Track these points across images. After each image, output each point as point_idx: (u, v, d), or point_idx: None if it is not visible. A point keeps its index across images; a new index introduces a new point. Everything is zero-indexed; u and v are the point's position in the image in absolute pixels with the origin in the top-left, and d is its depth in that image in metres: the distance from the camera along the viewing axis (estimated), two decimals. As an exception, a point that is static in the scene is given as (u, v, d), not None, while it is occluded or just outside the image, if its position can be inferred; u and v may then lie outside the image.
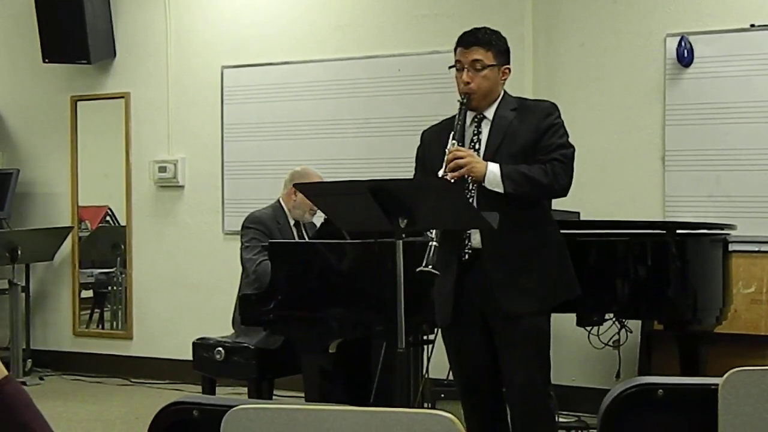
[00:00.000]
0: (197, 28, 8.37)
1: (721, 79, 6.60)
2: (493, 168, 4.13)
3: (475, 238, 4.27)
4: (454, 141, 4.16)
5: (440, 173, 4.10)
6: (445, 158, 4.13)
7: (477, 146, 4.29)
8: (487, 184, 4.14)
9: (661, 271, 5.18)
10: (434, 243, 4.01)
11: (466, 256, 4.28)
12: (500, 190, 4.13)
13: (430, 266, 3.95)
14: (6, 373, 1.75)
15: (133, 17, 8.60)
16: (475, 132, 4.33)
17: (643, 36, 6.87)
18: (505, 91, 4.40)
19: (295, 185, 5.38)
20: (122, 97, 8.68)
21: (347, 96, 7.74)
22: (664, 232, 5.35)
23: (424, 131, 4.54)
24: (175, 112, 8.45)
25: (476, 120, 4.34)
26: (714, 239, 5.57)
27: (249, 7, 8.16)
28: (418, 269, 3.94)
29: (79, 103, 8.89)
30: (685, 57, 6.65)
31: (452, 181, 4.07)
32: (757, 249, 6.43)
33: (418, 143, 4.56)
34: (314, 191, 4.60)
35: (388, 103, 7.58)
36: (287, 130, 7.96)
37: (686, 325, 5.38)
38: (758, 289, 6.36)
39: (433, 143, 4.39)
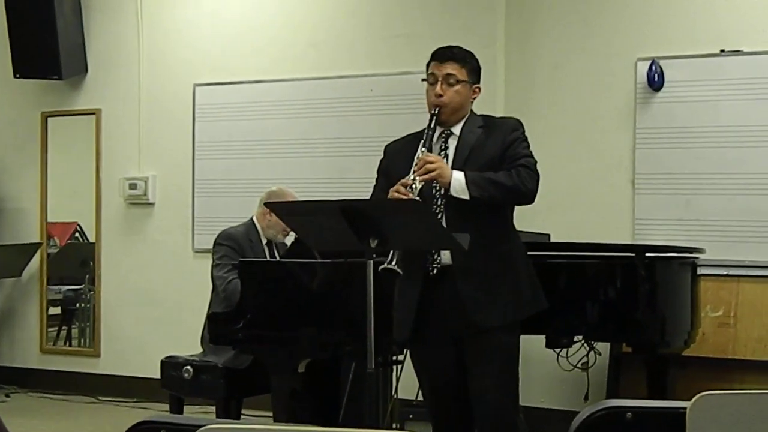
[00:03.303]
0: (170, 46, 8.36)
1: (691, 103, 6.65)
2: (458, 175, 4.15)
3: (445, 254, 4.27)
4: (423, 149, 4.18)
5: (410, 177, 4.10)
6: (415, 162, 4.14)
7: (445, 161, 4.30)
8: (453, 192, 4.15)
9: (630, 294, 5.20)
10: None
11: (435, 271, 4.27)
12: (466, 196, 4.14)
13: (394, 262, 3.95)
14: None
15: (106, 33, 8.58)
16: (443, 147, 4.35)
17: (615, 59, 6.92)
18: (472, 110, 4.44)
19: (265, 204, 5.37)
20: (93, 114, 8.65)
21: (319, 115, 7.75)
22: (634, 255, 5.38)
23: (388, 145, 4.57)
24: (147, 129, 8.43)
25: (443, 136, 4.37)
26: (683, 262, 5.60)
27: (222, 25, 8.16)
28: (380, 267, 3.92)
29: (49, 118, 8.85)
30: (655, 81, 6.70)
31: (421, 184, 4.08)
32: (725, 273, 6.47)
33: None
34: (285, 210, 4.60)
35: (360, 122, 7.59)
36: (259, 149, 7.95)
37: (654, 347, 5.40)
38: (726, 313, 6.39)
39: (398, 155, 4.40)
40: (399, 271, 3.96)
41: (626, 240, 6.71)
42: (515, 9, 7.21)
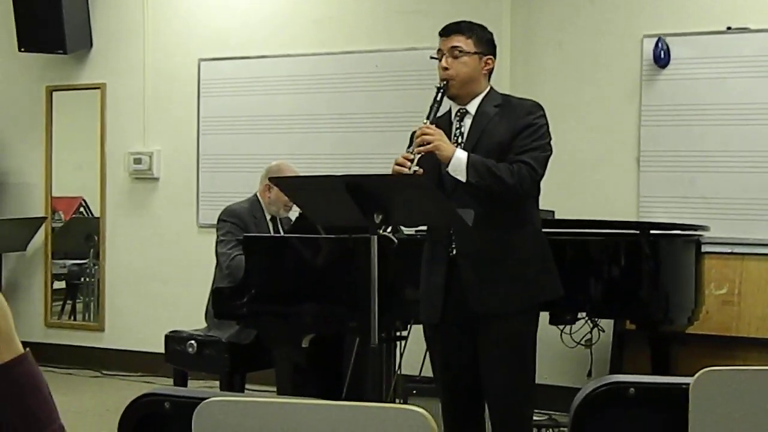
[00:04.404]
0: (175, 20, 8.34)
1: (697, 80, 6.63)
2: (461, 155, 4.07)
3: None
4: (426, 120, 4.13)
5: (409, 149, 4.07)
6: (415, 135, 4.11)
7: (459, 140, 4.24)
8: (451, 170, 4.08)
9: (634, 271, 5.21)
10: None
11: (453, 252, 4.22)
12: (462, 178, 4.06)
13: (389, 230, 3.90)
14: (21, 351, 1.68)
15: (110, 7, 8.56)
16: (458, 126, 4.28)
17: (621, 36, 6.89)
18: (491, 87, 4.35)
19: (270, 179, 5.36)
20: (98, 88, 8.65)
21: (324, 91, 7.74)
22: (638, 232, 5.37)
23: (413, 131, 4.46)
24: (152, 104, 8.42)
25: (459, 114, 4.30)
26: (687, 240, 5.60)
27: (226, 0, 8.14)
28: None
29: (54, 93, 8.85)
30: (661, 58, 6.68)
31: (419, 156, 4.02)
32: (729, 251, 6.47)
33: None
34: (289, 185, 4.58)
35: (365, 98, 7.58)
36: (264, 124, 7.95)
37: (658, 325, 5.41)
38: (730, 291, 6.39)
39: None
40: (393, 239, 3.93)
41: (631, 217, 6.70)
42: (521, -15, 7.20)
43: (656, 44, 6.68)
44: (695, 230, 5.79)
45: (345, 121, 7.65)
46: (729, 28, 6.57)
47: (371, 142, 7.42)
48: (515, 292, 4.23)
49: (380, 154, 7.19)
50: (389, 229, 3.91)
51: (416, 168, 4.00)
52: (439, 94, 4.21)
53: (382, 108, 7.45)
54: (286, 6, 7.95)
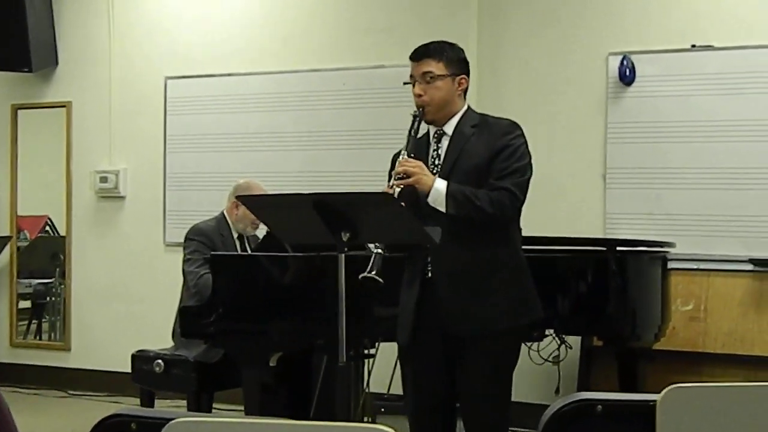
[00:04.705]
0: (141, 38, 8.32)
1: (662, 98, 6.68)
2: (440, 185, 4.04)
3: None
4: (404, 152, 4.10)
5: (389, 184, 4.05)
6: (395, 169, 4.09)
7: (437, 161, 4.20)
8: (431, 201, 4.05)
9: (601, 288, 5.23)
10: (378, 250, 3.93)
11: (429, 273, 4.17)
12: (442, 209, 4.04)
13: (374, 272, 3.87)
14: None
15: (76, 25, 8.53)
16: (435, 148, 4.24)
17: (586, 54, 6.94)
18: (469, 106, 4.31)
19: (237, 197, 5.35)
20: (64, 106, 8.60)
21: (291, 109, 7.73)
22: (605, 249, 5.39)
23: (395, 154, 4.37)
24: (118, 122, 8.39)
25: (437, 135, 4.25)
26: (653, 257, 5.63)
27: (193, 18, 8.13)
28: (361, 275, 3.85)
29: (19, 111, 8.80)
30: (626, 76, 6.72)
31: (399, 189, 3.99)
32: (695, 267, 6.50)
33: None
34: (257, 203, 4.57)
35: (332, 116, 7.58)
36: (230, 142, 7.93)
37: (625, 341, 5.43)
38: (696, 307, 6.43)
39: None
40: (380, 279, 3.89)
41: (597, 234, 6.73)
42: (487, 5, 7.22)
43: (621, 62, 6.73)
44: (661, 246, 5.82)
45: (312, 139, 7.65)
46: (693, 46, 6.63)
47: (339, 160, 7.42)
48: (490, 315, 4.16)
49: (348, 171, 7.20)
50: (374, 272, 3.88)
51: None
52: (416, 122, 4.17)
53: (350, 126, 7.45)
54: (252, 24, 7.95)
